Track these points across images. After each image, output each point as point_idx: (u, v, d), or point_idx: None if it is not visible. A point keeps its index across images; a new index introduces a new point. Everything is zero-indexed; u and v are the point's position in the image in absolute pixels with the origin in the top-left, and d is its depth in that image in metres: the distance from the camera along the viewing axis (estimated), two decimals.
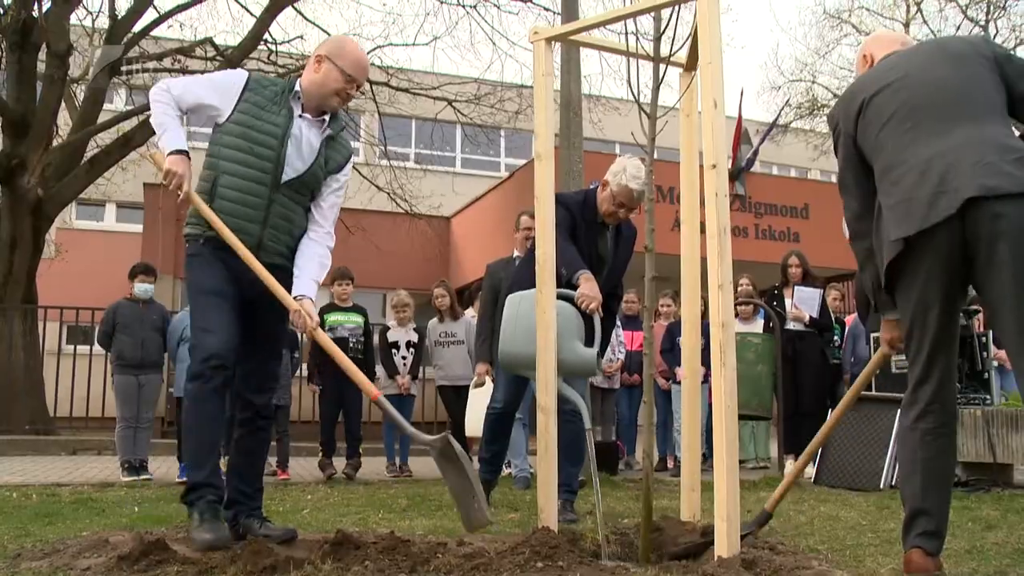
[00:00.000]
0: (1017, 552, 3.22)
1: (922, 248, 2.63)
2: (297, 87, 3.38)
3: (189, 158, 3.19)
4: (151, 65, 12.77)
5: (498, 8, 13.67)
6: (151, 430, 7.18)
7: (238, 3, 13.44)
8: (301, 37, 13.34)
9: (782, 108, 20.45)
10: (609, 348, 7.65)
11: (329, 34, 14.02)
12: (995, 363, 7.01)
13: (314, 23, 13.68)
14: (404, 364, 7.52)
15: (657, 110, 3.27)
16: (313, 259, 3.37)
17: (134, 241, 16.44)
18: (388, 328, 7.78)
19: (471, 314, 7.98)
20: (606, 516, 4.08)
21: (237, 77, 3.39)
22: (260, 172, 3.27)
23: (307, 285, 3.30)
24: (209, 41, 13.68)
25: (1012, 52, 2.89)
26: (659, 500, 4.63)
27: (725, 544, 2.84)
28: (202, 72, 13.71)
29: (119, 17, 12.33)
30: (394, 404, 7.30)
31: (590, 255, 4.41)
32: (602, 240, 4.56)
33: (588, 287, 4.02)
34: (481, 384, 6.11)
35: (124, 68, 12.27)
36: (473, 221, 17.33)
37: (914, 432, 2.77)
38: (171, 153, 3.17)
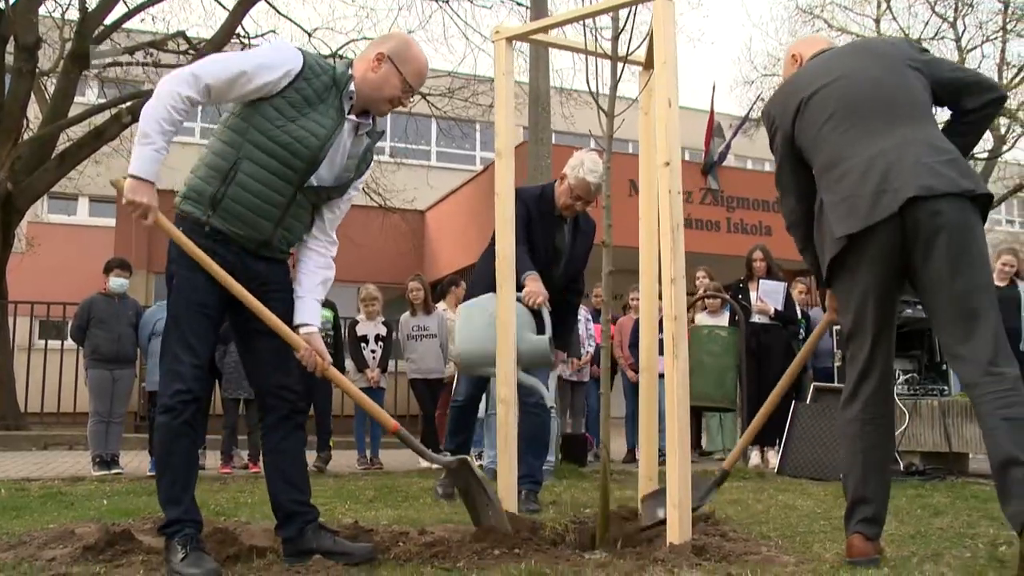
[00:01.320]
0: (958, 536, 3.33)
1: (864, 244, 2.74)
2: (351, 85, 2.99)
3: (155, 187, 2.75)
4: (123, 59, 12.71)
5: (471, 2, 13.69)
6: (123, 425, 7.21)
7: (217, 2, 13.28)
8: (274, 31, 13.26)
9: (754, 102, 20.53)
10: (579, 341, 7.76)
11: (301, 27, 14.04)
12: None
13: (287, 17, 13.65)
14: (373, 357, 7.59)
15: (615, 107, 3.35)
16: (317, 277, 3.10)
17: (107, 235, 16.36)
18: (357, 322, 7.84)
19: (443, 308, 8.08)
20: (573, 510, 4.19)
21: (290, 61, 2.90)
22: (291, 171, 2.91)
23: (312, 311, 3.06)
24: (182, 35, 13.64)
25: (930, 55, 3.01)
26: (623, 491, 4.73)
27: (676, 531, 2.94)
28: (174, 66, 13.70)
29: (89, 10, 12.25)
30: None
31: (546, 248, 4.54)
32: (560, 233, 4.67)
33: (533, 286, 4.28)
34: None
35: (94, 61, 12.21)
36: (447, 215, 17.38)
37: (855, 424, 2.87)
38: (136, 178, 2.72)
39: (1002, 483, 2.48)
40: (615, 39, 3.43)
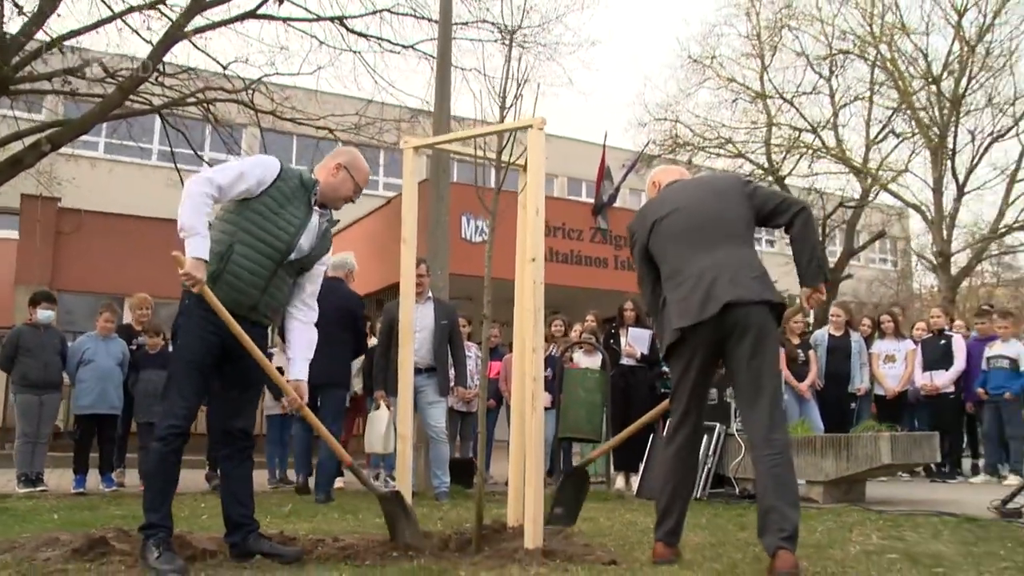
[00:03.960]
0: (747, 545, 4.36)
1: (693, 335, 3.79)
2: (316, 188, 3.97)
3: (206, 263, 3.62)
4: (40, 85, 13.09)
5: (380, 49, 14.58)
6: (48, 445, 7.81)
7: (136, 33, 13.75)
8: (194, 70, 13.82)
9: (646, 145, 21.97)
10: (468, 375, 8.73)
11: (217, 61, 14.59)
12: (786, 396, 8.46)
13: (204, 51, 14.23)
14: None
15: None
16: (304, 341, 4.04)
17: (8, 247, 16.60)
18: (271, 355, 8.62)
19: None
20: (456, 523, 5.13)
21: (272, 167, 3.86)
22: (273, 251, 3.80)
23: (302, 369, 4.00)
24: (99, 62, 14.06)
25: (757, 185, 4.09)
26: (500, 508, 5.68)
27: (531, 539, 3.93)
28: (91, 95, 14.11)
29: (7, 39, 12.60)
30: (279, 422, 8.28)
31: None
32: None
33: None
34: (378, 407, 7.14)
35: (12, 88, 12.58)
36: (349, 243, 18.09)
37: (670, 459, 3.94)
38: (194, 259, 3.56)
39: (763, 522, 3.54)
40: (499, 153, 4.44)
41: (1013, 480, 8.44)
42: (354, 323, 7.46)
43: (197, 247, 3.60)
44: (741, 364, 3.72)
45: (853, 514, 5.91)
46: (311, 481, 7.30)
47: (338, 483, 8.40)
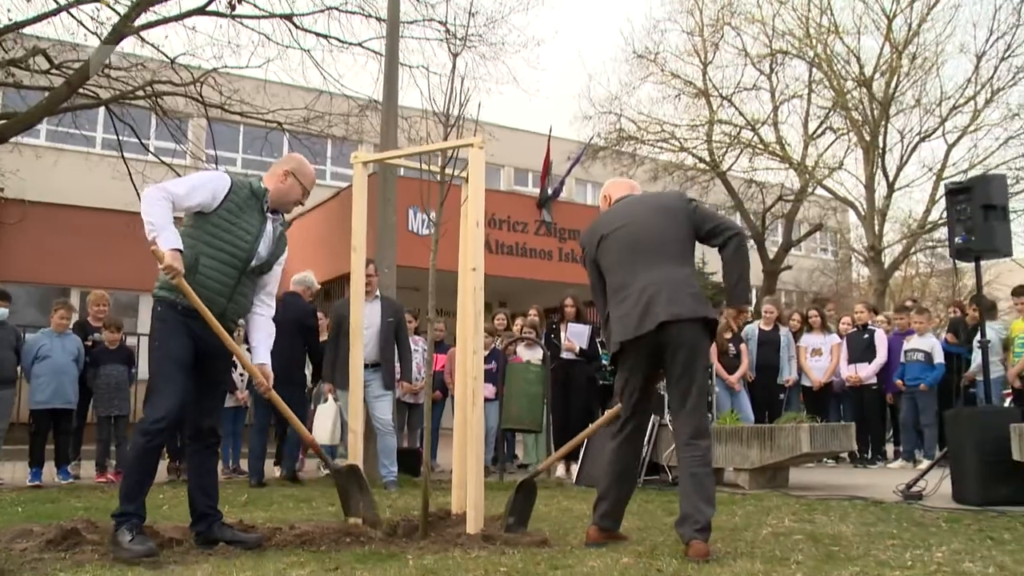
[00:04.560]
0: (672, 529, 4.76)
1: (633, 347, 4.20)
2: (267, 196, 4.28)
3: (183, 254, 3.90)
4: None
5: (328, 45, 14.75)
6: (2, 440, 7.97)
7: (84, 27, 13.73)
8: (143, 65, 13.87)
9: (591, 139, 22.40)
10: (415, 367, 9.09)
11: (165, 54, 14.63)
12: (717, 389, 8.96)
13: (152, 45, 14.26)
14: (242, 379, 8.66)
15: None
16: (264, 332, 4.36)
17: None
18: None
19: None
20: (404, 511, 5.48)
21: (223, 182, 4.17)
22: (236, 260, 4.13)
23: (264, 354, 4.33)
24: (42, 53, 14.02)
25: (699, 204, 4.47)
26: (445, 496, 6.05)
27: (472, 524, 4.31)
28: (36, 87, 14.08)
29: None
30: (232, 415, 8.57)
31: None
32: None
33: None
34: (325, 400, 7.48)
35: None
36: (298, 234, 18.12)
37: (615, 451, 4.37)
38: (172, 250, 3.84)
39: (681, 514, 3.96)
40: (443, 168, 4.79)
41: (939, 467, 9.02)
42: (308, 333, 8.31)
43: (170, 239, 3.86)
44: (674, 374, 4.14)
45: (773, 499, 6.39)
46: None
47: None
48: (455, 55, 4.73)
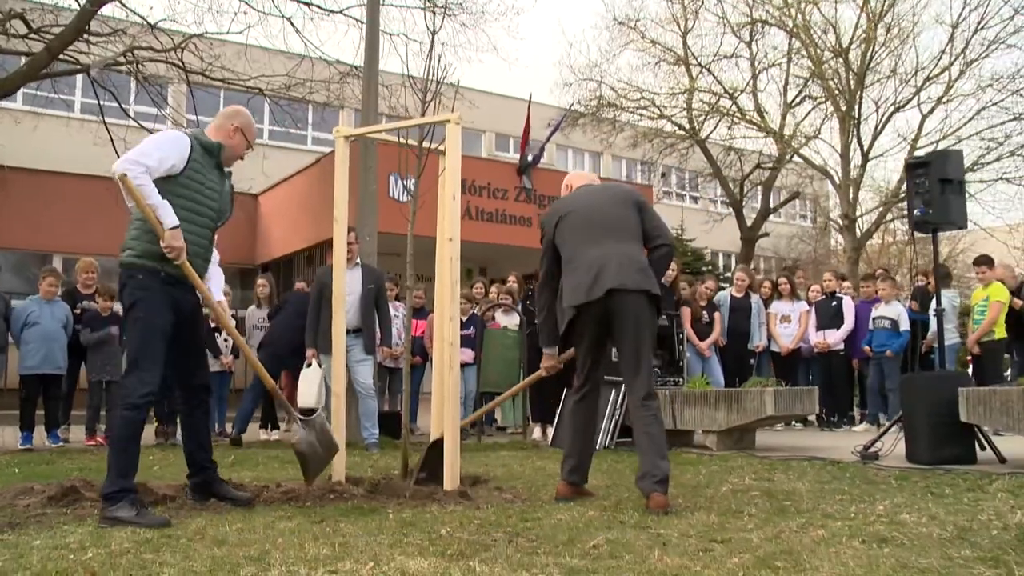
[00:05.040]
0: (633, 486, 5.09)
1: (585, 313, 4.49)
2: (221, 152, 4.35)
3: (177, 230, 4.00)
4: None
5: (310, 11, 14.80)
6: None
7: None
8: (124, 31, 13.88)
9: (571, 106, 22.52)
10: (396, 332, 9.33)
11: (146, 20, 14.65)
12: (688, 354, 9.26)
13: (133, 11, 14.29)
14: (226, 345, 8.90)
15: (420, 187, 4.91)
16: (218, 277, 4.51)
17: None
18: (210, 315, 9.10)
19: None
20: (384, 470, 5.76)
21: (184, 142, 4.19)
22: (208, 220, 4.28)
23: (218, 291, 4.46)
24: (20, 17, 14.01)
25: (647, 203, 4.78)
26: None
27: (449, 481, 4.59)
28: (13, 52, 14.09)
29: None
30: (218, 379, 8.83)
31: None
32: None
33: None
34: (309, 364, 7.71)
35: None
36: (280, 200, 18.42)
37: (573, 410, 4.68)
38: (171, 229, 3.97)
39: (641, 473, 4.26)
40: (420, 142, 5.02)
41: (895, 429, 9.39)
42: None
43: (168, 215, 3.98)
44: (622, 341, 4.48)
45: (738, 459, 6.70)
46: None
47: (275, 435, 9.01)
48: (433, 32, 4.85)
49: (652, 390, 4.43)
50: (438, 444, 4.92)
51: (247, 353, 4.83)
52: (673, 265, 10.53)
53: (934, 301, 7.35)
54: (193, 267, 4.15)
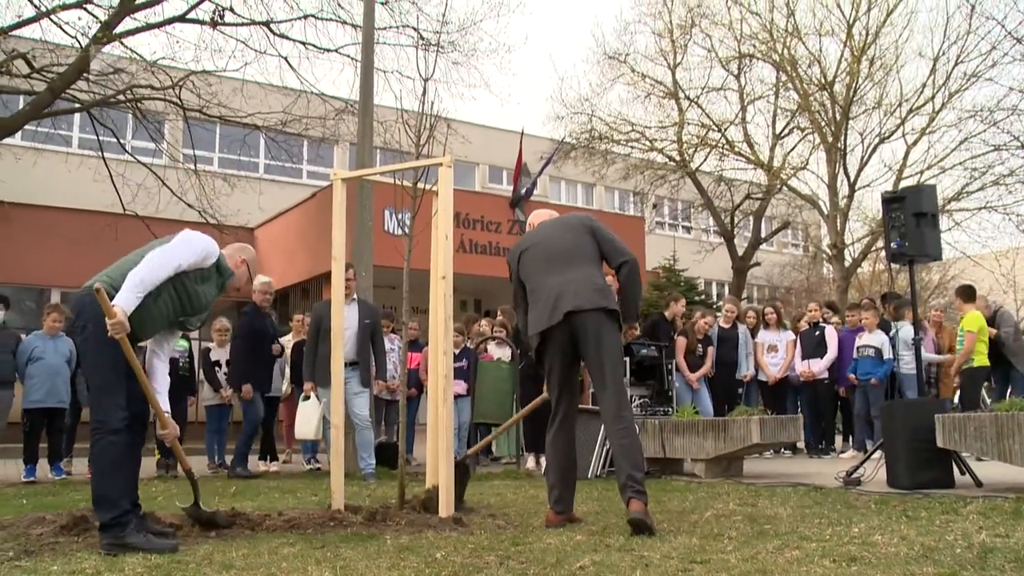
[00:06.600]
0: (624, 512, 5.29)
1: (548, 338, 4.75)
2: (232, 278, 4.67)
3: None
4: None
5: (306, 52, 15.13)
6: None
7: (65, 33, 14.05)
8: (123, 71, 14.18)
9: (562, 140, 22.84)
10: (392, 366, 9.54)
11: (143, 58, 14.94)
12: (676, 384, 9.48)
13: (133, 51, 14.59)
14: (225, 378, 9.10)
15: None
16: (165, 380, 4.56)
17: None
18: (210, 349, 9.32)
19: (287, 339, 9.77)
20: (381, 499, 5.95)
21: (214, 255, 4.48)
22: (176, 320, 4.45)
23: (166, 402, 4.47)
24: (23, 57, 14.30)
25: (600, 226, 5.01)
26: (420, 486, 6.51)
27: (444, 508, 4.79)
28: (16, 91, 14.39)
29: None
30: (217, 412, 9.02)
31: None
32: None
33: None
34: (307, 398, 7.94)
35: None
36: (276, 234, 18.64)
37: (551, 441, 4.87)
38: (125, 309, 4.03)
39: (619, 482, 4.47)
40: (414, 184, 5.27)
41: (877, 455, 9.60)
42: None
43: (130, 301, 4.08)
44: (589, 359, 4.72)
45: (725, 486, 6.90)
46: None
47: (274, 467, 9.21)
48: (426, 80, 5.07)
49: (624, 403, 4.65)
50: (458, 465, 5.16)
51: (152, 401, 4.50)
52: (682, 300, 10.87)
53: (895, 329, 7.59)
54: (136, 336, 4.24)
